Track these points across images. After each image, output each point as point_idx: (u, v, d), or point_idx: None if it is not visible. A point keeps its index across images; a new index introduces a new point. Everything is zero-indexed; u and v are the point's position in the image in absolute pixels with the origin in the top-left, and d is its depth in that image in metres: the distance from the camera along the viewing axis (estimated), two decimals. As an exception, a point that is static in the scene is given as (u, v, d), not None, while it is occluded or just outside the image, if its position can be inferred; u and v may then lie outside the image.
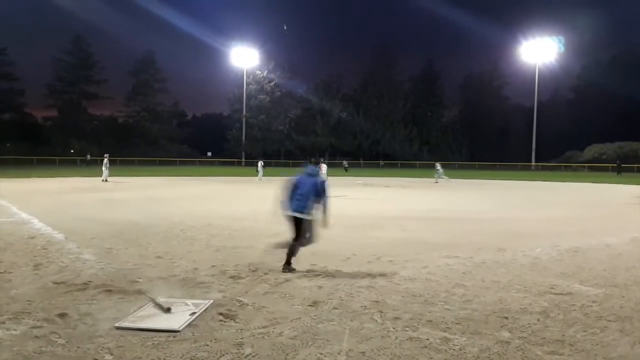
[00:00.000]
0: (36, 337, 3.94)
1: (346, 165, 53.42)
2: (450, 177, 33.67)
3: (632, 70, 69.32)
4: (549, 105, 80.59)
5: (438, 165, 33.08)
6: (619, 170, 47.24)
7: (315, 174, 6.52)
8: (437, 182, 31.30)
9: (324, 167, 20.16)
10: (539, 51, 70.78)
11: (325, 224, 6.36)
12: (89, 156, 54.89)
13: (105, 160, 28.09)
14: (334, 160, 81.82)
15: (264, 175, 32.41)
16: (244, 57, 77.19)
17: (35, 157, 58.85)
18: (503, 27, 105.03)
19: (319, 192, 6.30)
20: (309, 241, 6.41)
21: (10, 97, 72.49)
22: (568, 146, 71.92)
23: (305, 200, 6.25)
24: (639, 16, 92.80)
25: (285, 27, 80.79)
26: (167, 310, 4.57)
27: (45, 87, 78.73)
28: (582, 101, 78.29)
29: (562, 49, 71.47)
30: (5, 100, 71.82)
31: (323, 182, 6.40)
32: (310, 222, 6.32)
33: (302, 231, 6.28)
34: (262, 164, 33.70)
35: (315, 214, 6.32)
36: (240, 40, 76.41)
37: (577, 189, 27.71)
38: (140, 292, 5.20)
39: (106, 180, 26.85)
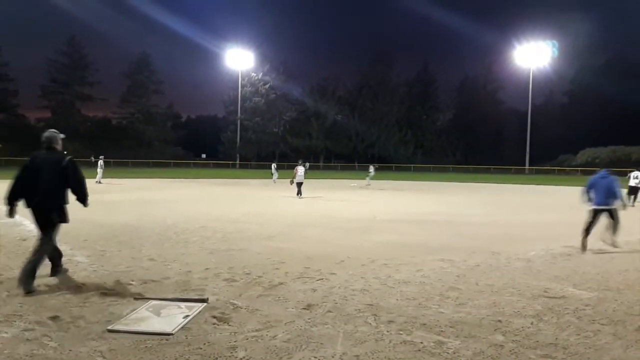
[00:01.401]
0: (28, 340, 3.90)
1: (306, 167, 53.55)
2: (444, 180, 33.68)
3: (625, 75, 69.85)
4: (543, 109, 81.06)
5: (372, 168, 32.73)
6: None
7: (607, 176, 8.67)
8: (369, 185, 30.71)
9: (300, 169, 20.01)
10: (533, 55, 71.29)
11: (624, 206, 8.99)
12: (93, 158, 54.68)
13: (101, 161, 28.14)
14: (328, 162, 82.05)
15: (278, 178, 32.42)
16: (239, 59, 77.19)
17: (27, 159, 58.47)
18: (497, 31, 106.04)
19: (614, 187, 8.52)
20: (617, 222, 8.60)
21: (4, 98, 71.93)
22: (562, 150, 72.48)
23: (605, 196, 8.50)
24: (632, 21, 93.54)
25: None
26: (206, 300, 4.89)
27: (38, 88, 78.37)
28: (575, 105, 78.74)
29: (556, 53, 72.21)
30: (-1, 101, 71.41)
31: (615, 180, 8.58)
32: (616, 210, 8.53)
33: (614, 218, 8.53)
34: (276, 166, 33.73)
35: (616, 204, 8.58)
36: (235, 43, 76.46)
37: (571, 192, 27.80)
38: (158, 297, 5.12)
39: (100, 182, 26.76)
